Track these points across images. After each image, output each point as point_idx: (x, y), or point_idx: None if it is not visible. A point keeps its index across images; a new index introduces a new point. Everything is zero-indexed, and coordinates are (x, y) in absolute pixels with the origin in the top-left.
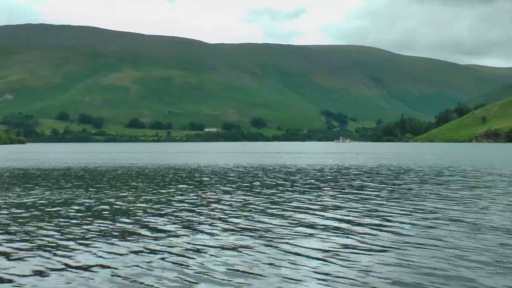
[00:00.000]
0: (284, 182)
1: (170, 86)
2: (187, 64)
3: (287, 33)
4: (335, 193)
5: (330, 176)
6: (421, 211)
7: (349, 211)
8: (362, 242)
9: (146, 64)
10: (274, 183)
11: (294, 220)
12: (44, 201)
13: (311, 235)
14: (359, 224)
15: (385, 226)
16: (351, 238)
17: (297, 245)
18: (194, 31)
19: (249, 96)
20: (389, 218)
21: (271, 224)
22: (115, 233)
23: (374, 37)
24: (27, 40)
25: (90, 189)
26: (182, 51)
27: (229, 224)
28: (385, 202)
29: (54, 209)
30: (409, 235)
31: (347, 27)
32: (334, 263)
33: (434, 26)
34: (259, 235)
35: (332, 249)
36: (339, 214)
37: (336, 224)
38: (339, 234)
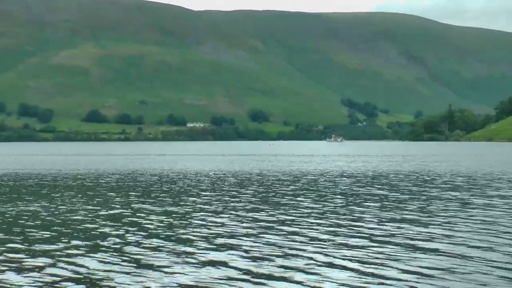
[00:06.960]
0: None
1: (142, 67)
2: (164, 37)
3: None
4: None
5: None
6: None
7: None
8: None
9: (110, 37)
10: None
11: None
12: None
13: None
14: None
15: None
16: None
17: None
18: None
19: (246, 80)
20: None
21: None
22: None
23: (409, 2)
24: None
25: None
26: (158, 20)
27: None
28: None
29: None
30: None
31: None
32: None
33: None
34: None
35: None
36: None
37: None
38: None
